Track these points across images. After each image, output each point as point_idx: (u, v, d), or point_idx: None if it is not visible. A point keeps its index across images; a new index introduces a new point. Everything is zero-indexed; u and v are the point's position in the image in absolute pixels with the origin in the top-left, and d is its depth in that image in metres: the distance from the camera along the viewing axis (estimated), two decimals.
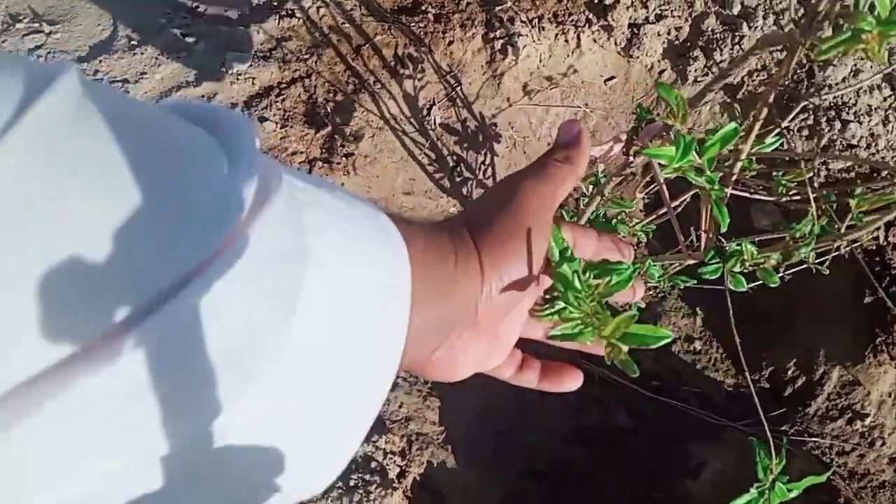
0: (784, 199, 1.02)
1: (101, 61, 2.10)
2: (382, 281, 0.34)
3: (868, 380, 1.95)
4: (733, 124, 0.89)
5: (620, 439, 2.10)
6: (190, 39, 2.16)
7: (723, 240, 1.25)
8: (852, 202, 1.00)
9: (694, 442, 2.05)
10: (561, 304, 0.59)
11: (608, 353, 0.54)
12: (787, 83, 2.16)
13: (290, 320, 0.27)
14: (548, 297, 0.58)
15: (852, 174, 2.09)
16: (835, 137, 2.11)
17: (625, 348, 0.55)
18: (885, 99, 2.16)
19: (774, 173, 1.19)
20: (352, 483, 1.57)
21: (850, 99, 2.14)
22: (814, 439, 1.98)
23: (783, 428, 2.02)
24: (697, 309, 2.27)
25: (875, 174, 2.07)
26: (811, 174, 0.98)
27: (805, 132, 2.11)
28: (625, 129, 2.35)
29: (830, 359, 2.01)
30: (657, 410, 2.12)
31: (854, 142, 2.09)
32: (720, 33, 2.21)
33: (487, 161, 2.37)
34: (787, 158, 1.33)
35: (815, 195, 0.91)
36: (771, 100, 0.96)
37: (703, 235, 1.24)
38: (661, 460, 2.05)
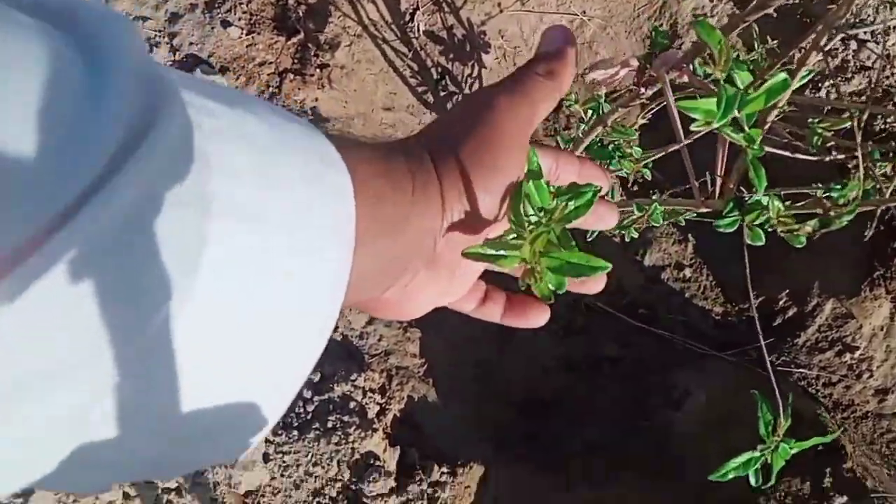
0: (824, 156, 0.90)
1: None
2: (313, 222, 0.29)
3: (862, 313, 1.91)
4: (783, 75, 0.76)
5: (606, 368, 2.07)
6: None
7: (743, 189, 1.13)
8: None
9: (680, 371, 2.02)
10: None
11: (524, 278, 0.47)
12: None
13: (190, 286, 0.23)
14: None
15: (864, 97, 1.97)
16: (849, 58, 1.96)
17: (551, 279, 0.46)
18: None
19: (810, 120, 1.07)
20: (329, 425, 1.51)
21: (868, 16, 1.98)
22: (800, 370, 1.96)
23: (770, 358, 1.99)
24: (689, 235, 2.18)
25: (883, 99, 1.95)
26: (857, 122, 0.86)
27: (817, 53, 1.96)
28: (632, 52, 2.17)
29: (825, 291, 1.96)
30: (644, 339, 2.08)
31: (869, 63, 1.95)
32: None
33: (475, 73, 2.20)
34: (824, 108, 1.21)
35: (862, 152, 0.79)
36: (823, 42, 0.82)
37: (719, 181, 1.12)
38: (647, 390, 2.03)
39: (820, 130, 1.00)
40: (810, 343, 1.97)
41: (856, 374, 1.93)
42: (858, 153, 0.79)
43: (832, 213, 0.87)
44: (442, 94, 2.17)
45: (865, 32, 1.96)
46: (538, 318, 0.52)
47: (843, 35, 1.81)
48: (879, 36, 1.97)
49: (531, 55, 1.71)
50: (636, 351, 2.08)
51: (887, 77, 1.96)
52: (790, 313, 2.01)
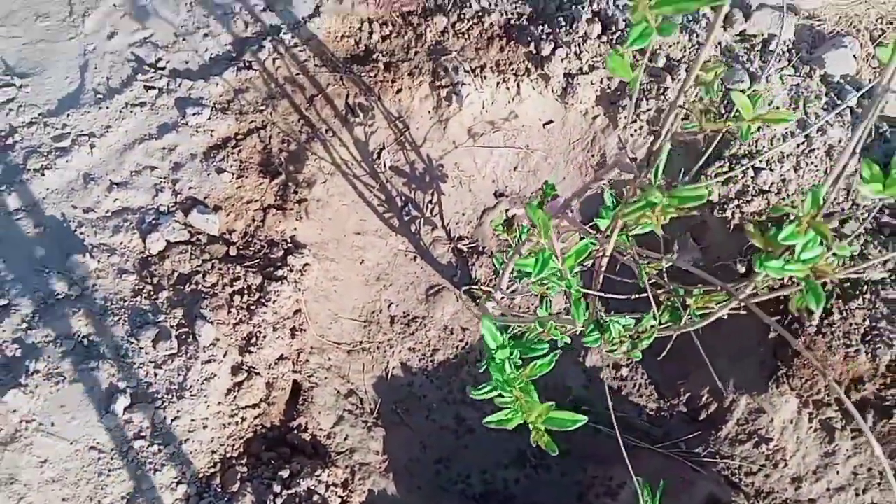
0: (646, 291, 1.20)
1: (68, 115, 2.25)
2: None
3: (772, 408, 2.15)
4: (585, 241, 1.08)
5: (554, 462, 2.30)
6: (153, 92, 2.31)
7: (601, 314, 1.43)
8: (690, 301, 1.19)
9: (617, 463, 2.24)
10: (493, 387, 0.89)
11: (534, 436, 0.81)
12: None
13: None
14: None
15: (764, 216, 2.28)
16: (748, 183, 2.29)
17: (543, 431, 0.83)
18: (797, 145, 2.34)
19: (639, 261, 1.38)
20: None
21: (764, 147, 2.32)
22: (724, 460, 2.18)
23: (697, 450, 2.22)
24: None
25: (785, 217, 2.25)
26: (660, 270, 1.16)
27: (721, 178, 2.29)
28: (570, 179, 2.52)
29: (739, 388, 2.21)
30: (586, 434, 2.32)
31: (766, 187, 2.28)
32: (647, 84, 2.38)
33: (435, 200, 2.55)
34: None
35: (665, 290, 1.09)
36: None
37: (591, 303, 1.42)
38: (589, 481, 2.25)
39: (647, 270, 1.31)
40: (731, 435, 2.20)
41: (773, 464, 2.15)
42: (650, 296, 1.08)
43: (635, 338, 1.16)
44: (406, 218, 2.51)
45: (760, 161, 2.30)
46: None
47: (735, 159, 2.14)
48: (775, 163, 2.30)
49: (483, 181, 2.22)
50: (580, 446, 2.31)
51: (783, 199, 2.27)
52: (712, 409, 2.25)
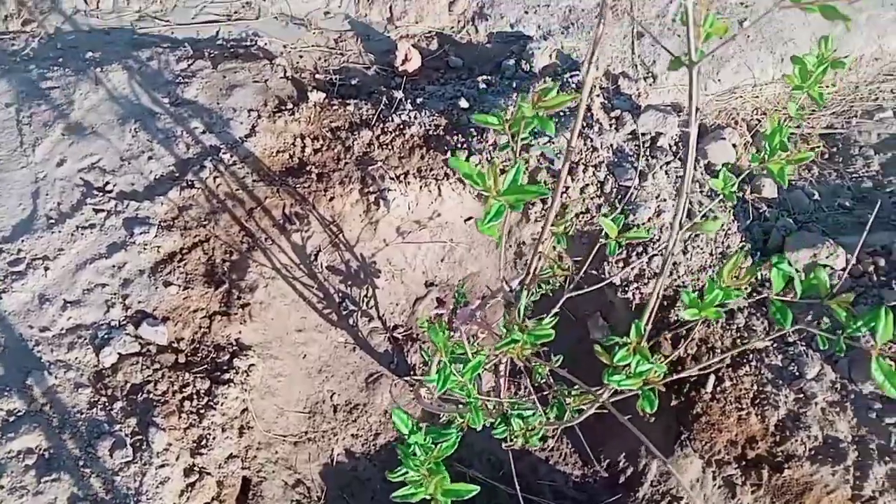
0: (543, 390, 1.44)
1: (23, 241, 2.43)
2: None
3: (679, 469, 2.40)
4: (479, 358, 1.32)
5: None
6: (101, 214, 2.51)
7: (507, 410, 1.67)
8: (569, 399, 1.44)
9: None
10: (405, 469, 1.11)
11: None
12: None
13: None
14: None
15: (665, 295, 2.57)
16: (644, 267, 2.59)
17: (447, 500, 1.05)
18: (685, 232, 2.66)
19: (535, 363, 1.63)
20: None
21: (655, 234, 2.63)
22: None
23: None
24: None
25: (676, 296, 2.55)
26: (546, 375, 1.41)
27: (620, 263, 2.59)
28: (494, 267, 2.78)
29: (650, 452, 2.46)
30: None
31: (658, 270, 2.58)
32: (551, 184, 2.69)
33: (370, 293, 2.78)
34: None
35: (552, 390, 1.33)
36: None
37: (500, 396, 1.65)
38: None
39: (540, 370, 1.55)
40: (647, 496, 2.43)
41: None
42: (535, 398, 1.32)
43: (526, 434, 1.40)
44: (344, 312, 2.73)
45: (651, 245, 2.60)
46: None
47: (631, 246, 2.43)
48: (665, 249, 2.61)
49: (414, 273, 2.57)
50: None
51: (675, 279, 2.58)
52: (629, 472, 2.49)
